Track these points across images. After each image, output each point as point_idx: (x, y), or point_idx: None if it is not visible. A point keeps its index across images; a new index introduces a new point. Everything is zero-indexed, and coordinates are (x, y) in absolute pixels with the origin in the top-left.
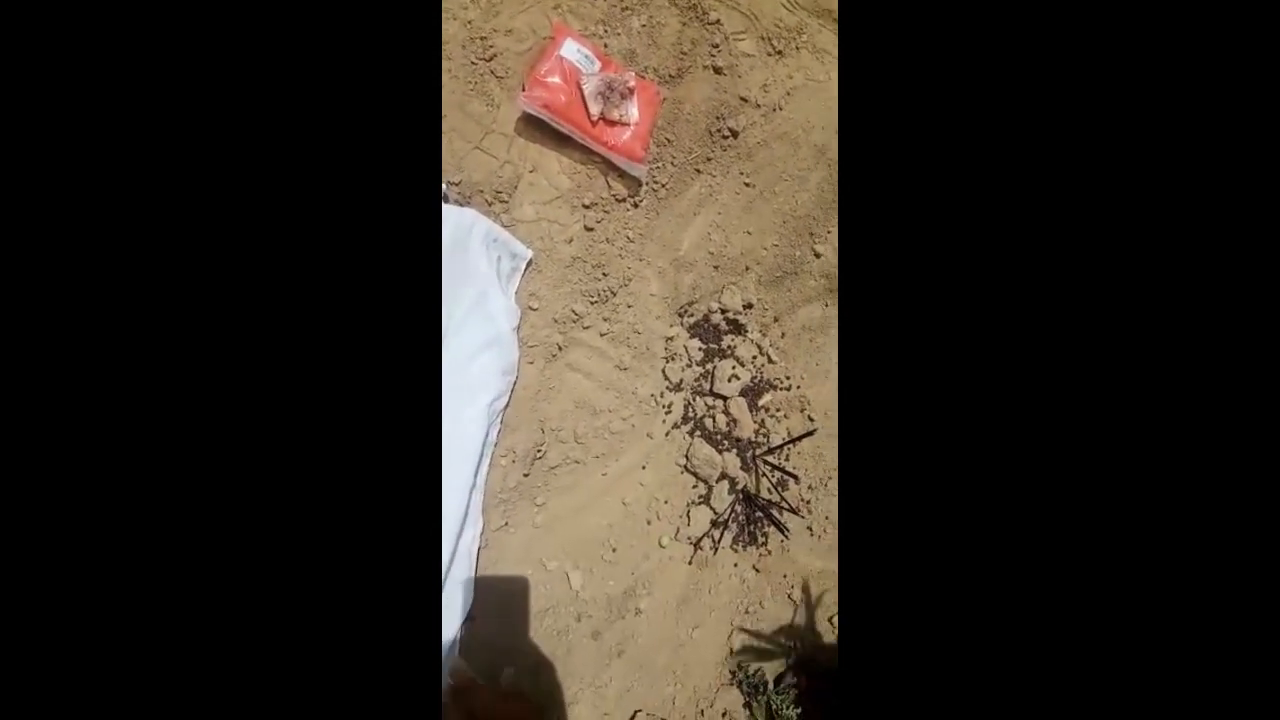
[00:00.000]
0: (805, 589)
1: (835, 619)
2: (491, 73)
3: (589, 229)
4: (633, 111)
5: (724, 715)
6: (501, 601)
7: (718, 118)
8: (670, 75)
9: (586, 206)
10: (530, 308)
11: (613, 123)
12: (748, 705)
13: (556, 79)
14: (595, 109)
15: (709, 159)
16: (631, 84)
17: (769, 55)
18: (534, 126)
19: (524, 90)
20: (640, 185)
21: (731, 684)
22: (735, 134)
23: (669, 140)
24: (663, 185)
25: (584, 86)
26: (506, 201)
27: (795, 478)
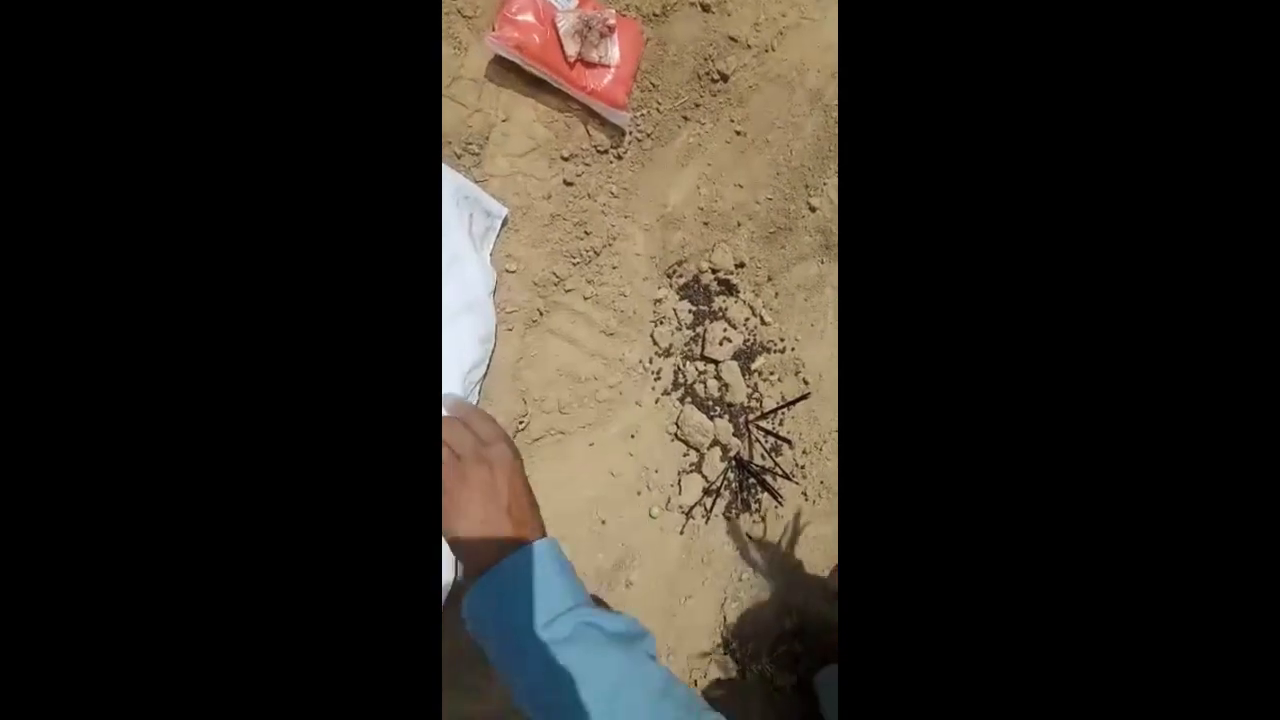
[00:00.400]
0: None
1: (831, 584)
2: (458, 11)
3: (569, 183)
4: (613, 52)
5: (718, 684)
6: None
7: (705, 59)
8: (654, 13)
9: (565, 159)
10: (507, 270)
11: (591, 65)
12: (742, 674)
13: (529, 16)
14: (572, 49)
15: (697, 105)
16: (611, 22)
17: None
18: (506, 70)
19: (493, 30)
20: (624, 134)
21: (725, 653)
22: (725, 77)
23: (653, 85)
24: (647, 135)
25: (559, 25)
26: (477, 154)
27: (789, 442)
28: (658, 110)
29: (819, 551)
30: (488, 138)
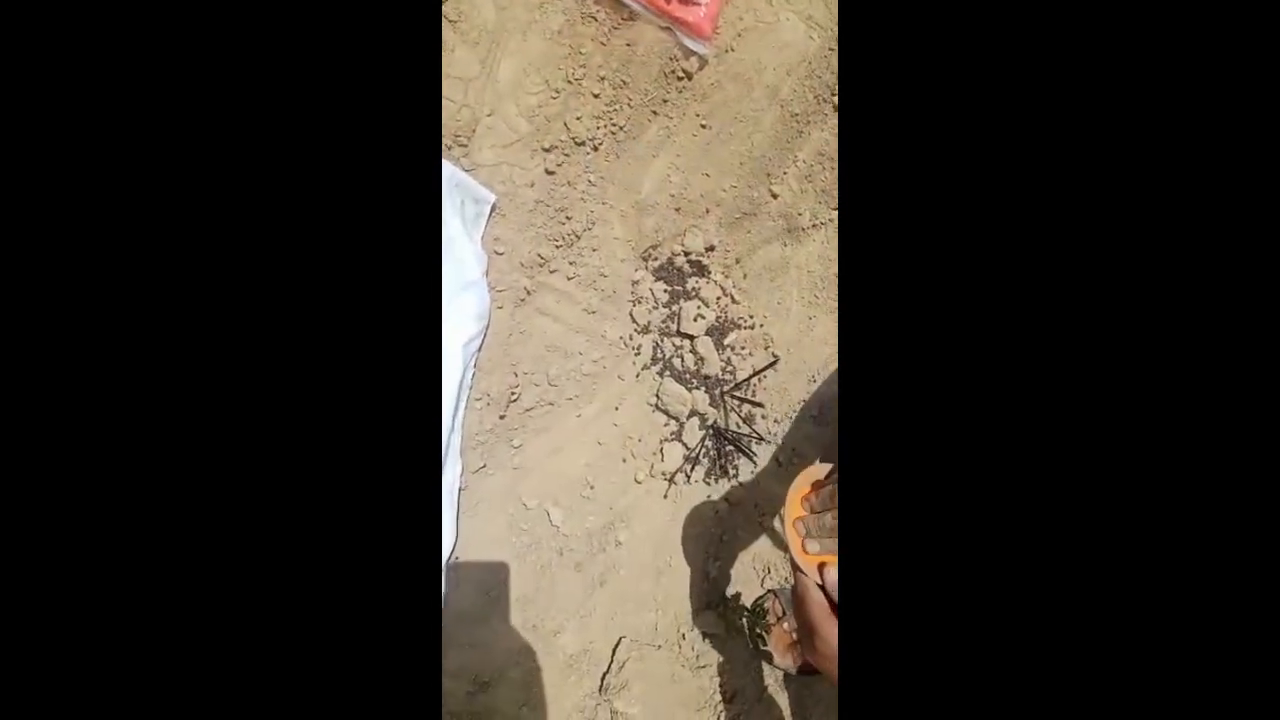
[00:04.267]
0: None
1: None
2: (445, 17)
3: (550, 172)
4: None
5: (704, 637)
6: (483, 540)
7: (671, 59)
8: (623, 19)
9: (546, 150)
10: (496, 252)
11: (685, 1)
12: (727, 626)
13: None
14: None
15: (665, 100)
16: None
17: None
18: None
19: None
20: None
21: (709, 609)
22: (689, 75)
23: (624, 83)
24: (620, 128)
25: None
26: (466, 145)
27: (760, 405)
28: (629, 105)
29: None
30: (474, 131)
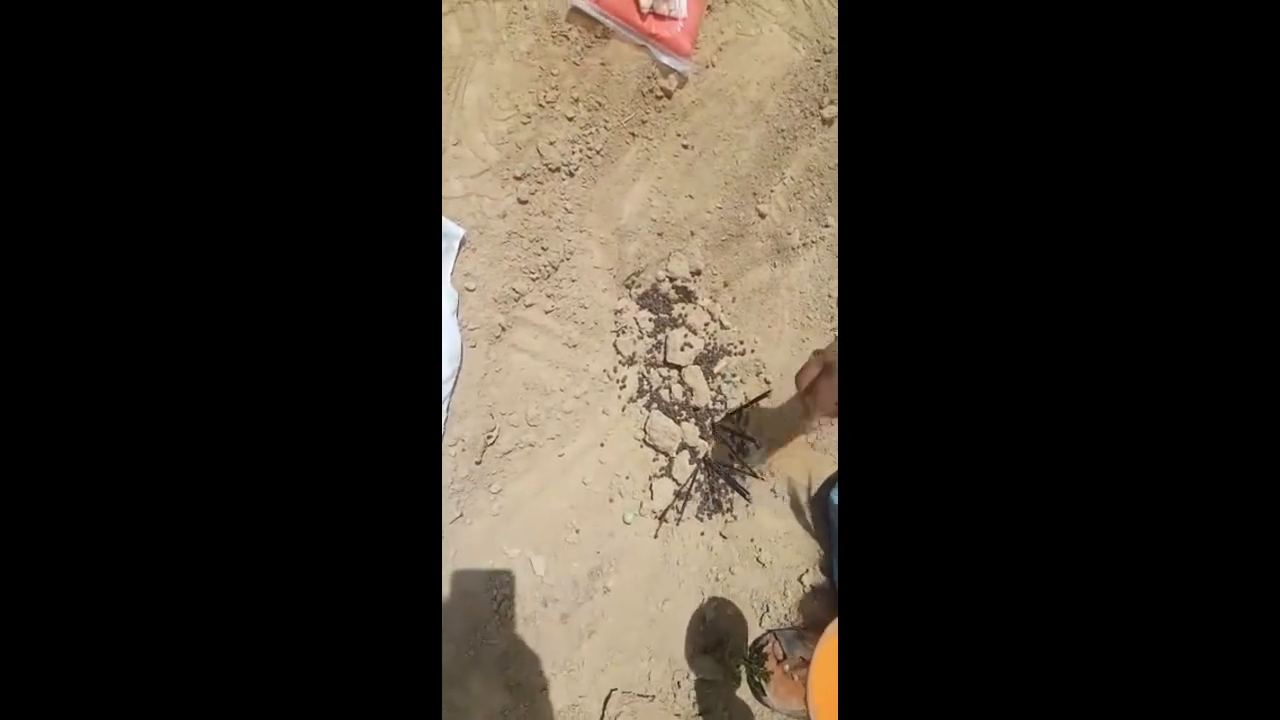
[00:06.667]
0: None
1: (805, 578)
2: None
3: (523, 201)
4: (680, 5)
5: (702, 683)
6: (461, 594)
7: (649, 77)
8: (596, 36)
9: (518, 178)
10: (467, 289)
11: (661, 17)
12: (723, 673)
13: None
14: (645, 2)
15: (643, 121)
16: None
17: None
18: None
19: None
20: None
21: (706, 653)
22: (668, 94)
23: (600, 104)
24: (597, 152)
25: None
26: None
27: (753, 440)
28: (605, 128)
29: (790, 548)
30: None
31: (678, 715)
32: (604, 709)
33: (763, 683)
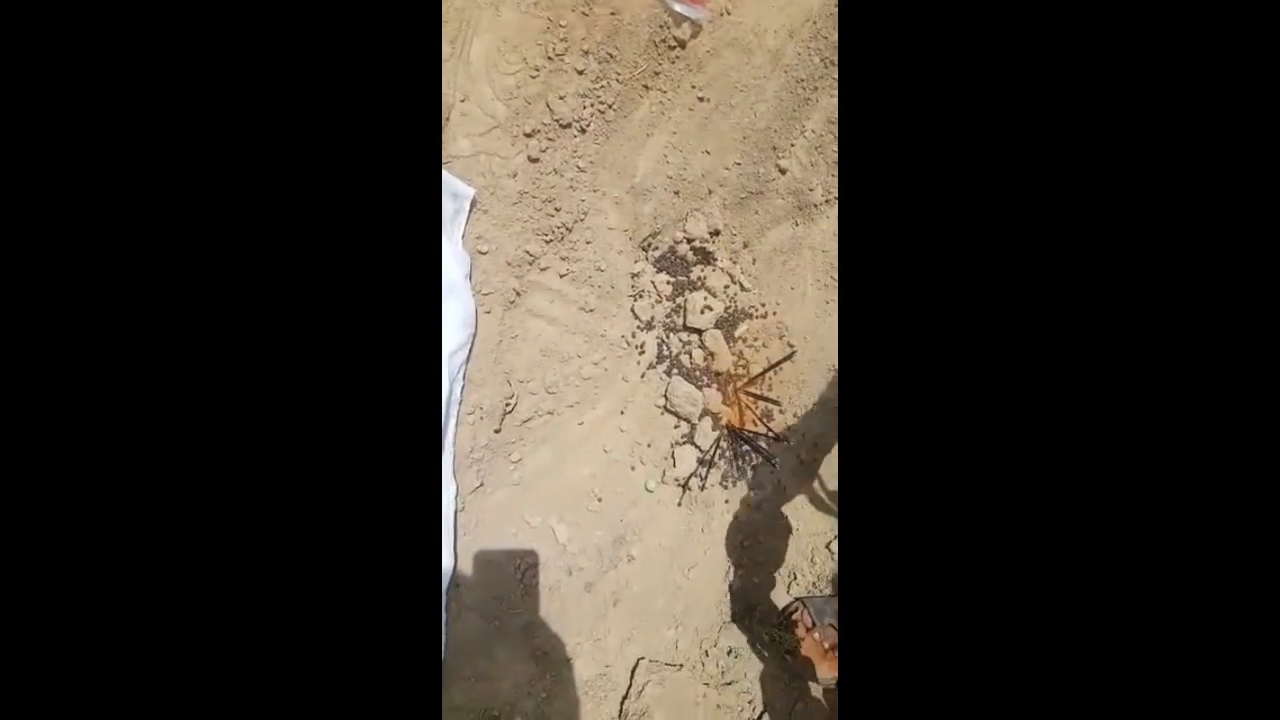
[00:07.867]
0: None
1: (833, 545)
2: None
3: (533, 160)
4: None
5: (729, 652)
6: (484, 564)
7: (661, 26)
8: None
9: (528, 135)
10: (480, 252)
11: None
12: (751, 642)
13: None
14: None
15: (656, 73)
16: None
17: None
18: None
19: None
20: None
21: (734, 621)
22: (682, 44)
23: (610, 56)
24: (609, 106)
25: None
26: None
27: (777, 403)
28: (617, 81)
29: (817, 514)
30: (448, 118)
31: (706, 684)
32: (631, 678)
33: (791, 652)
